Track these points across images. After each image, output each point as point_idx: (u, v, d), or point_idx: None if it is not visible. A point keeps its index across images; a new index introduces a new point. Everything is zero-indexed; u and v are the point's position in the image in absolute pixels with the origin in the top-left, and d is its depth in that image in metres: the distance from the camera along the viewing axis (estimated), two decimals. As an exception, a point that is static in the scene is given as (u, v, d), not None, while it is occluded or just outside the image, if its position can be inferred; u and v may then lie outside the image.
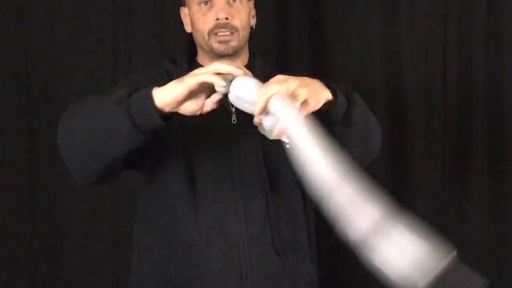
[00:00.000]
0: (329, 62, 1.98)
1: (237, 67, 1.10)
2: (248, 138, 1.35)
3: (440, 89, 1.95)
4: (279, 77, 1.10)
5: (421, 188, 1.96)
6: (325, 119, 1.16)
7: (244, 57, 1.47)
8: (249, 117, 1.17)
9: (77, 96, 1.91)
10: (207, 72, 1.09)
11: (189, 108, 1.12)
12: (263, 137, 1.29)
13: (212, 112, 1.27)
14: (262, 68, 1.46)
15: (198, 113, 1.13)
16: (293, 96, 1.07)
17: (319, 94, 1.14)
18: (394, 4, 1.95)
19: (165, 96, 1.09)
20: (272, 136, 1.21)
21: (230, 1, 1.36)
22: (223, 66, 1.09)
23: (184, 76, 1.09)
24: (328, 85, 1.17)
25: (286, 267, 1.37)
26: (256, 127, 1.24)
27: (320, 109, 1.14)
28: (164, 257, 1.36)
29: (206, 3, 1.36)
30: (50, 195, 2.06)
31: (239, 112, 1.26)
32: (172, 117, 1.12)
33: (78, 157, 1.21)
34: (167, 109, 1.10)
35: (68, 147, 1.21)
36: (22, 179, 2.05)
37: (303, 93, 1.09)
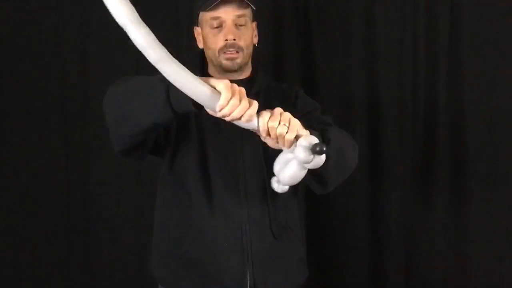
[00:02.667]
0: (317, 75, 1.99)
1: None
2: (251, 136, 1.36)
3: (409, 100, 1.96)
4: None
5: (393, 183, 1.98)
6: None
7: (248, 70, 1.51)
8: None
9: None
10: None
11: None
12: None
13: None
14: (264, 79, 1.51)
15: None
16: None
17: (297, 129, 1.14)
18: (371, 29, 1.96)
19: None
20: None
21: (237, 25, 1.41)
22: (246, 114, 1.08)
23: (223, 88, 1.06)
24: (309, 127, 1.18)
25: (280, 247, 1.42)
26: None
27: None
28: (179, 237, 1.40)
29: (217, 27, 1.41)
30: (84, 184, 2.07)
31: None
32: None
33: (117, 118, 1.22)
34: None
35: (110, 109, 1.23)
36: (60, 173, 2.06)
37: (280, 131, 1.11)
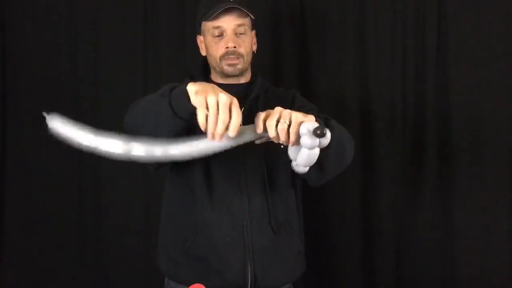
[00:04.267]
0: (312, 80, 1.98)
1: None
2: None
3: (399, 102, 1.95)
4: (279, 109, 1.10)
5: (384, 179, 1.96)
6: None
7: (248, 76, 1.53)
8: (251, 121, 1.21)
9: (115, 99, 1.97)
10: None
11: None
12: None
13: None
14: (262, 83, 1.52)
15: None
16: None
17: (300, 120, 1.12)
18: (363, 36, 1.95)
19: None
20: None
21: (237, 33, 1.42)
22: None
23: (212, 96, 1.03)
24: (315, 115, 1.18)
25: (280, 241, 1.41)
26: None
27: None
28: (184, 233, 1.40)
29: (218, 35, 1.42)
30: (95, 184, 2.05)
31: (244, 113, 1.33)
32: None
33: (131, 126, 1.24)
34: None
35: (132, 134, 1.21)
36: (73, 176, 2.05)
37: (283, 127, 1.08)
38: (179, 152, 1.08)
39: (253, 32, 1.49)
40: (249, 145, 1.29)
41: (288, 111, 1.09)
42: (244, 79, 1.50)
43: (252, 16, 1.43)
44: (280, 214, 1.42)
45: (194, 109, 1.04)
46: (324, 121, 1.20)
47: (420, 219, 1.95)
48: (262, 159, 1.39)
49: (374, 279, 1.97)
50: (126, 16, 1.99)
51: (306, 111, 1.30)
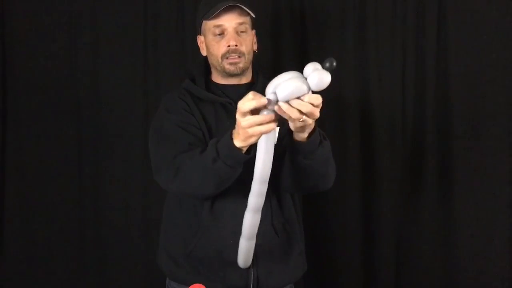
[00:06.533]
0: None
1: (252, 95, 1.06)
2: None
3: (400, 104, 1.92)
4: (319, 98, 1.07)
5: (384, 184, 1.94)
6: (294, 150, 1.21)
7: (249, 75, 1.50)
8: None
9: (115, 99, 1.95)
10: (256, 124, 1.06)
11: None
12: None
13: (227, 119, 1.35)
14: (264, 83, 1.49)
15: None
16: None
17: (309, 130, 1.15)
18: (363, 38, 1.92)
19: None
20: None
21: (238, 32, 1.40)
22: (249, 105, 1.05)
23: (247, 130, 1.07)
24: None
25: (282, 242, 1.41)
26: None
27: (295, 141, 1.20)
28: (186, 235, 1.39)
29: (220, 34, 1.39)
30: (95, 184, 2.02)
31: None
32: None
33: (192, 193, 1.32)
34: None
35: (178, 190, 1.33)
36: (73, 176, 2.02)
37: (309, 123, 1.10)
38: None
39: (254, 31, 1.46)
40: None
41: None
42: (245, 79, 1.47)
43: (252, 15, 1.41)
44: (281, 216, 1.40)
45: (245, 156, 1.14)
46: (320, 139, 1.21)
47: (420, 220, 1.94)
48: None
49: (374, 279, 1.96)
50: (126, 16, 1.97)
51: None
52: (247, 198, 1.31)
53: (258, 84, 1.45)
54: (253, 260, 1.33)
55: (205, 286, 1.23)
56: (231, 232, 1.32)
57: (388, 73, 1.92)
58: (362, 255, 1.95)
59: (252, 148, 1.15)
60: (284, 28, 1.95)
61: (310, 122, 1.08)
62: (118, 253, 2.00)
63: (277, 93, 1.01)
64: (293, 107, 1.01)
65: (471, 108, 1.89)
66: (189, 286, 1.25)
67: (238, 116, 1.07)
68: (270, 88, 1.03)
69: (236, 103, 1.39)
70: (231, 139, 1.12)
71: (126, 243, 1.99)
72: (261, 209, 1.20)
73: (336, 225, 1.95)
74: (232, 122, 1.32)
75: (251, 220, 1.19)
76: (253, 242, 1.24)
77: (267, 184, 1.15)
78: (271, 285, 1.37)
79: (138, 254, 1.99)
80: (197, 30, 1.47)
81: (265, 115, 1.04)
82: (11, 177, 1.99)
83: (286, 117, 1.05)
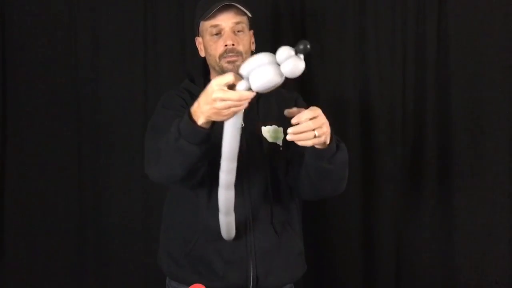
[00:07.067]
0: (312, 78, 1.94)
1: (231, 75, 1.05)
2: (253, 140, 1.37)
3: (400, 104, 1.92)
4: (314, 108, 1.13)
5: (384, 181, 1.94)
6: (316, 155, 1.20)
7: None
8: (253, 121, 1.16)
9: (115, 99, 1.97)
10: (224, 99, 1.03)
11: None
12: (264, 138, 1.36)
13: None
14: None
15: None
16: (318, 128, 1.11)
17: (328, 136, 1.16)
18: (363, 36, 1.93)
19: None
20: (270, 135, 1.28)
21: (235, 31, 1.38)
22: (225, 80, 1.03)
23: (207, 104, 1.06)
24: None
25: (281, 242, 1.39)
26: (257, 128, 1.30)
27: (316, 148, 1.18)
28: (187, 234, 1.38)
29: (217, 34, 1.38)
30: (95, 184, 2.02)
31: (245, 118, 1.28)
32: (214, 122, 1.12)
33: (167, 177, 1.25)
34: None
35: (159, 176, 1.27)
36: (73, 176, 2.02)
37: (324, 131, 1.12)
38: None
39: (252, 32, 1.45)
40: (251, 147, 1.34)
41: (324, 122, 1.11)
42: None
43: (249, 15, 1.40)
44: (281, 215, 1.39)
45: (206, 130, 1.09)
46: (336, 143, 1.20)
47: (420, 219, 1.94)
48: (264, 160, 1.36)
49: (374, 280, 1.96)
50: (126, 17, 1.97)
51: None
52: (247, 198, 1.34)
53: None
54: (252, 259, 1.32)
55: (205, 286, 1.24)
56: None
57: (388, 73, 1.92)
58: (362, 256, 1.95)
59: (216, 124, 1.11)
60: (284, 28, 1.96)
61: (325, 130, 1.10)
62: (118, 253, 2.00)
63: (250, 82, 1.00)
64: (300, 133, 1.06)
65: (472, 106, 1.88)
66: (189, 285, 1.26)
67: (216, 89, 1.02)
68: (243, 72, 1.01)
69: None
70: (190, 116, 1.10)
71: (126, 243, 2.00)
72: (233, 185, 1.18)
73: (336, 225, 1.95)
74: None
75: (224, 196, 1.20)
76: (232, 217, 1.24)
77: (236, 161, 1.14)
78: (270, 285, 1.36)
79: (138, 254, 1.99)
80: (195, 32, 1.46)
81: (243, 91, 1.01)
82: (11, 177, 2.00)
83: (303, 144, 1.09)
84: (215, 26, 1.36)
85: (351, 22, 1.91)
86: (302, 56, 1.00)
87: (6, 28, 1.97)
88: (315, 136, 1.08)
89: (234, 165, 1.15)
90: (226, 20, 1.35)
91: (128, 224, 2.00)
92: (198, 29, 1.43)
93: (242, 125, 1.33)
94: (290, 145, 1.37)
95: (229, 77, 1.02)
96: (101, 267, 2.02)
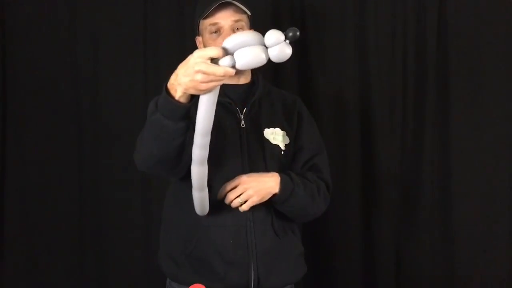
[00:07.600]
0: (313, 81, 1.95)
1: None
2: (254, 139, 1.37)
3: (400, 104, 1.93)
4: (236, 179, 1.28)
5: (384, 181, 1.94)
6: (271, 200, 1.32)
7: (248, 75, 1.48)
8: (254, 123, 1.23)
9: (115, 99, 1.98)
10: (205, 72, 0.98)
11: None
12: (265, 140, 1.37)
13: (226, 118, 1.34)
14: (264, 84, 1.48)
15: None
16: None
17: (263, 195, 1.28)
18: (363, 38, 1.93)
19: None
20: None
21: (235, 30, 1.37)
22: (210, 53, 0.98)
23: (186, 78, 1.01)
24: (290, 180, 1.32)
25: (282, 243, 1.39)
26: (260, 130, 1.30)
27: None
28: (187, 235, 1.37)
29: (216, 32, 1.38)
30: (95, 184, 2.02)
31: (246, 118, 1.32)
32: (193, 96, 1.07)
33: (146, 160, 1.22)
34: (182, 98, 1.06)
35: (140, 161, 1.24)
36: (73, 176, 2.01)
37: (249, 193, 1.26)
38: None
39: (251, 30, 1.40)
40: (253, 148, 1.35)
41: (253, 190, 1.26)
42: (244, 79, 1.45)
43: (248, 13, 1.40)
44: (281, 217, 1.39)
45: (182, 102, 1.03)
46: (294, 186, 1.31)
47: (420, 220, 1.93)
48: (266, 162, 1.36)
49: (374, 281, 1.95)
50: (126, 16, 1.96)
51: (309, 150, 1.42)
52: None
53: (259, 86, 1.43)
54: (253, 259, 1.32)
55: (206, 286, 1.23)
56: (231, 232, 1.32)
57: (388, 72, 1.92)
58: (361, 257, 1.95)
59: (193, 98, 1.06)
60: (284, 28, 1.93)
61: (250, 193, 1.25)
62: (118, 253, 2.00)
63: (235, 59, 0.97)
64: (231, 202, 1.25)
65: (472, 106, 1.88)
66: (189, 286, 1.25)
67: (199, 61, 0.98)
68: (228, 45, 0.98)
69: (235, 103, 1.39)
70: (167, 90, 1.05)
71: (126, 244, 1.99)
72: (206, 161, 1.17)
73: (335, 226, 1.95)
74: (231, 122, 1.36)
75: (197, 172, 1.18)
76: (205, 193, 1.24)
77: (209, 137, 1.12)
78: (272, 285, 1.35)
79: (138, 255, 1.99)
80: (195, 31, 1.46)
81: (227, 68, 0.97)
82: (11, 176, 1.99)
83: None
84: (214, 24, 1.35)
85: (351, 20, 1.92)
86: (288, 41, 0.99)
87: (6, 28, 1.96)
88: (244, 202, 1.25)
89: (207, 140, 1.13)
90: (225, 18, 1.35)
91: (128, 225, 1.99)
92: (198, 28, 1.43)
93: (242, 125, 1.32)
94: (291, 149, 1.37)
95: (214, 51, 0.97)
96: (101, 267, 2.01)
